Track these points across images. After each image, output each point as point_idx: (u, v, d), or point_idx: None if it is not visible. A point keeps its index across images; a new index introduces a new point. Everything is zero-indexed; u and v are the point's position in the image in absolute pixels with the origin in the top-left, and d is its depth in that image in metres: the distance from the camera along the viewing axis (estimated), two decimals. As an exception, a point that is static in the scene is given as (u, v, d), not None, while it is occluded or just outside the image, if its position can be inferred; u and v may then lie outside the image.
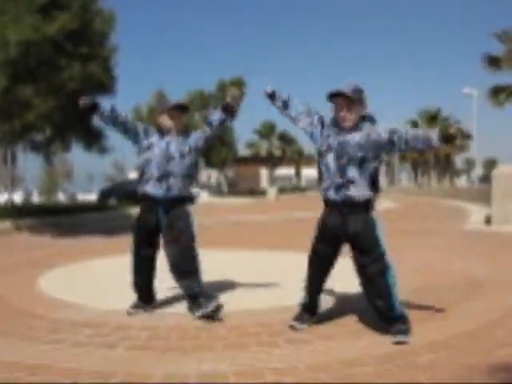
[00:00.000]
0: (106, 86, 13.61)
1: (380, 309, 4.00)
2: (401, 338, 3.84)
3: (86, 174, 68.74)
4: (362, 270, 4.06)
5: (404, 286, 5.72)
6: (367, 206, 4.04)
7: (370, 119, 4.08)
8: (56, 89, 12.40)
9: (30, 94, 12.26)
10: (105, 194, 31.34)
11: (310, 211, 22.40)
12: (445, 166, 69.23)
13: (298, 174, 71.67)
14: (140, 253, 4.73)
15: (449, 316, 4.51)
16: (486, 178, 38.60)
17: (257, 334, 4.07)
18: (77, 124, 14.11)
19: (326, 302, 5.03)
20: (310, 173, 79.90)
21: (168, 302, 5.22)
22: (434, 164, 66.39)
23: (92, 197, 36.00)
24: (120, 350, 3.75)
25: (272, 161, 60.48)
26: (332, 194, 4.06)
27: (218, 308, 4.55)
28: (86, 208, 22.52)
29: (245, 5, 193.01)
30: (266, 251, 8.84)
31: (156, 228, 4.65)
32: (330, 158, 4.02)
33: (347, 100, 3.93)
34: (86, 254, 8.87)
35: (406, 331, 3.92)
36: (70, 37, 12.39)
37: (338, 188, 4.01)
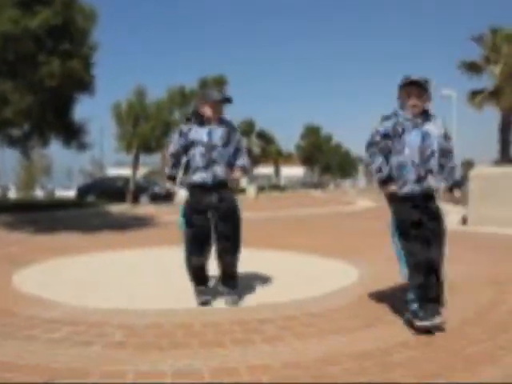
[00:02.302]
0: (85, 83, 13.50)
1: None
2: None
3: (64, 170, 67.96)
4: None
5: (380, 283, 5.81)
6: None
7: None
8: (35, 85, 12.27)
9: (9, 89, 12.12)
10: (83, 191, 31.11)
11: (289, 210, 22.57)
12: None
13: (277, 172, 71.79)
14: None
15: (423, 315, 4.56)
16: (463, 179, 38.96)
17: (232, 332, 4.09)
18: (56, 120, 13.98)
19: (303, 301, 5.09)
20: (288, 171, 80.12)
21: (146, 299, 5.22)
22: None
23: (70, 193, 35.65)
24: (96, 347, 3.73)
25: (251, 158, 60.50)
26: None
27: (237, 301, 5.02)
28: (64, 204, 22.35)
29: (228, 3, 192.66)
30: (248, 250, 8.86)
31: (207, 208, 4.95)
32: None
33: (419, 89, 4.19)
34: (64, 251, 8.79)
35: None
36: (51, 32, 12.24)
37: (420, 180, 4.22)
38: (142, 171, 44.77)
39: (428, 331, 3.98)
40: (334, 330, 4.13)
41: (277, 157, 66.29)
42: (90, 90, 14.07)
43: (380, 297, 5.21)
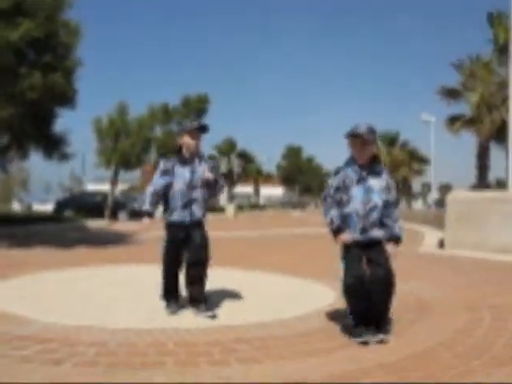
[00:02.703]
0: (67, 97, 13.46)
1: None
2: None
3: (42, 183, 67.35)
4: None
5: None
6: None
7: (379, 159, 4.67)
8: (16, 97, 12.19)
9: (-12, 101, 12.04)
10: (61, 205, 30.84)
11: (267, 229, 22.56)
12: (402, 190, 70.44)
13: (256, 191, 71.89)
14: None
15: (398, 337, 4.57)
16: (440, 202, 39.48)
17: (207, 352, 4.05)
18: (36, 132, 13.90)
19: (280, 321, 5.07)
20: (268, 191, 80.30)
21: (120, 316, 5.16)
22: (392, 187, 67.36)
23: (48, 207, 35.31)
24: (67, 365, 3.67)
25: (231, 178, 60.56)
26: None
27: (214, 316, 5.20)
28: (41, 218, 22.12)
29: (212, 21, 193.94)
30: (228, 269, 8.84)
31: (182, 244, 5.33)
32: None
33: (363, 139, 4.44)
34: (39, 266, 8.68)
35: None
36: (33, 45, 12.22)
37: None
38: (121, 187, 44.54)
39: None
40: (309, 352, 4.12)
41: (257, 176, 66.47)
42: (72, 103, 14.03)
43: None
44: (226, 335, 4.53)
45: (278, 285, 7.27)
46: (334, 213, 4.52)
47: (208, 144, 61.86)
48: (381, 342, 4.35)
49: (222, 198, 59.49)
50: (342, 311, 5.43)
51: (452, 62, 31.42)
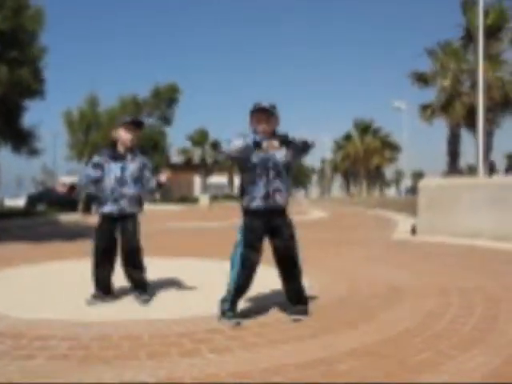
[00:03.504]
0: (34, 89, 13.26)
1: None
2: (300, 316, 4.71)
3: (13, 178, 66.40)
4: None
5: (327, 294, 5.88)
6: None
7: (283, 137, 4.55)
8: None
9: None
10: (33, 200, 30.46)
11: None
12: (375, 177, 71.07)
13: (230, 182, 71.85)
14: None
15: (369, 323, 4.65)
16: (413, 189, 39.94)
17: (180, 343, 4.06)
18: (3, 126, 13.69)
19: (254, 311, 5.10)
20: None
21: (93, 310, 5.15)
22: (365, 174, 68.02)
23: (20, 202, 34.82)
24: (38, 360, 3.65)
25: (205, 168, 60.39)
26: None
27: (148, 299, 5.51)
28: (12, 213, 21.82)
29: (182, 10, 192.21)
30: (199, 259, 8.84)
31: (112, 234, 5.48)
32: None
33: (267, 115, 4.54)
34: (10, 261, 8.59)
35: (305, 312, 4.82)
36: (-1, 39, 12.00)
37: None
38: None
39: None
40: (283, 340, 4.15)
41: (231, 166, 66.42)
42: (41, 94, 13.83)
43: (328, 307, 5.28)
44: (200, 326, 4.55)
45: (258, 275, 7.28)
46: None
47: (181, 135, 61.57)
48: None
49: (196, 189, 59.41)
50: (315, 300, 5.49)
51: (426, 48, 31.63)
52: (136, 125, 5.52)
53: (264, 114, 4.53)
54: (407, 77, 31.68)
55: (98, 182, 5.43)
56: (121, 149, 5.46)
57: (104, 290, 5.54)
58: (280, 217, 4.67)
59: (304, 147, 4.63)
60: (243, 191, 4.66)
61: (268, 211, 4.59)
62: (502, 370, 3.50)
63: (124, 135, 5.40)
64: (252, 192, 4.59)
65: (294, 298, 4.87)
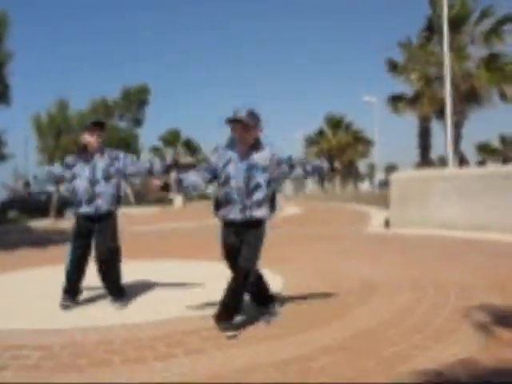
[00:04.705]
0: (-1, 94, 13.03)
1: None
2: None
3: (-17, 184, 65.14)
4: None
5: (301, 291, 5.88)
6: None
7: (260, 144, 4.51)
8: None
9: None
10: (4, 206, 29.95)
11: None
12: (348, 171, 71.45)
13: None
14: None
15: (343, 319, 4.67)
16: (386, 183, 40.26)
17: (154, 347, 4.03)
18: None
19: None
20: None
21: (64, 317, 5.08)
22: (339, 169, 68.26)
23: (-10, 209, 34.24)
24: (9, 371, 3.58)
25: (178, 168, 60.03)
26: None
27: (123, 306, 5.46)
28: (-18, 221, 21.46)
29: (152, 10, 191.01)
30: (177, 260, 8.80)
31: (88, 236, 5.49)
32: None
33: (242, 124, 4.36)
34: (-20, 271, 8.43)
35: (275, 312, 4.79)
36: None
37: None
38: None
39: None
40: (257, 339, 4.15)
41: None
42: (5, 100, 13.58)
43: (302, 305, 5.29)
44: (174, 328, 4.53)
45: (223, 274, 7.26)
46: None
47: (152, 135, 60.97)
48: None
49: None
50: (288, 298, 5.50)
51: (398, 41, 31.81)
52: (97, 125, 5.58)
53: (238, 124, 4.37)
54: (384, 64, 31.71)
55: (60, 181, 5.65)
56: (90, 151, 5.53)
57: (73, 292, 5.55)
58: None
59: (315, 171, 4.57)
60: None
61: None
62: (477, 356, 3.55)
63: (88, 138, 5.50)
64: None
65: (258, 300, 4.87)
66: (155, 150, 59.92)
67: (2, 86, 13.06)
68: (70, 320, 4.96)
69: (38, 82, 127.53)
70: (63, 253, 9.67)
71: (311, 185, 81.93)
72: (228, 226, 4.52)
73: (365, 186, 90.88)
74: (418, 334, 4.15)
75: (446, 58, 15.70)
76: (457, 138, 25.92)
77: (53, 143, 26.86)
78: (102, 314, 5.20)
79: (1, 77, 12.95)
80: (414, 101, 31.27)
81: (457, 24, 27.01)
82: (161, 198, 46.29)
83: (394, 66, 31.54)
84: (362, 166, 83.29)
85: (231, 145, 4.53)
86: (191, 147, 61.67)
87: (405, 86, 31.84)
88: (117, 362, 3.72)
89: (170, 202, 45.30)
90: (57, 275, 7.89)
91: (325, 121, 69.13)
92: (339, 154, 66.56)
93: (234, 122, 4.40)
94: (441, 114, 26.20)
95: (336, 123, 68.06)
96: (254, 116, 4.41)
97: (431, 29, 29.87)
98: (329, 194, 55.30)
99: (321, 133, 69.06)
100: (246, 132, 4.39)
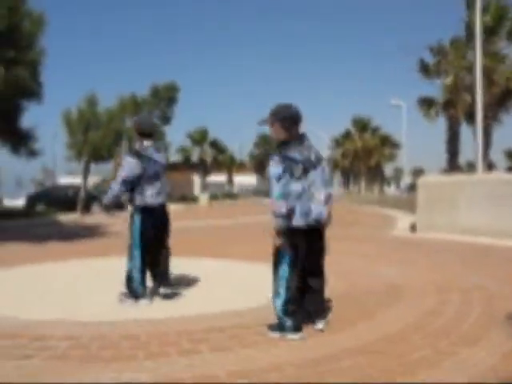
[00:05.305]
0: (32, 90, 13.22)
1: None
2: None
3: (13, 178, 66.23)
4: None
5: (326, 292, 5.85)
6: None
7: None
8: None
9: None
10: (33, 200, 30.40)
11: (240, 217, 22.51)
12: (375, 174, 71.00)
13: (230, 180, 71.79)
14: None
15: (367, 321, 4.64)
16: (412, 187, 39.89)
17: (179, 342, 4.06)
18: (1, 127, 13.67)
19: (255, 309, 5.09)
20: (242, 180, 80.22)
21: (92, 309, 5.14)
22: (365, 172, 68.01)
23: (19, 202, 34.76)
24: (36, 360, 3.65)
25: (204, 167, 60.27)
26: None
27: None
28: (11, 214, 21.81)
29: (179, 9, 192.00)
30: (198, 258, 8.84)
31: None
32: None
33: (269, 122, 4.39)
34: (9, 262, 8.58)
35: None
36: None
37: None
38: (94, 180, 44.02)
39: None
40: (282, 339, 4.15)
41: (230, 165, 66.35)
42: (38, 97, 13.80)
43: (327, 305, 5.26)
44: (199, 324, 4.55)
45: (249, 273, 7.30)
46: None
47: (180, 133, 61.13)
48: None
49: (196, 188, 59.31)
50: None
51: (429, 45, 31.54)
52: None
53: (268, 123, 4.40)
54: (416, 65, 31.42)
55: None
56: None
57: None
58: None
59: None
60: None
61: None
62: (502, 365, 3.50)
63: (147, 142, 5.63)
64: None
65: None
66: (183, 150, 60.18)
67: (36, 84, 13.27)
68: (95, 313, 5.02)
69: (67, 77, 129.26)
70: (89, 246, 9.74)
71: (336, 187, 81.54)
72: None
73: (391, 189, 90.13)
74: (444, 339, 4.10)
75: (478, 62, 15.50)
76: (487, 144, 25.58)
77: (81, 139, 27.09)
78: (127, 308, 5.25)
79: (34, 74, 13.15)
80: (445, 105, 30.95)
81: (492, 28, 26.66)
82: (185, 195, 46.52)
83: (425, 68, 31.24)
84: (388, 169, 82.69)
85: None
86: (217, 147, 61.79)
87: (434, 89, 31.57)
88: (141, 356, 3.75)
89: (195, 199, 45.50)
90: (83, 267, 8.03)
91: (352, 123, 68.88)
92: (365, 156, 66.28)
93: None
94: (471, 118, 25.91)
95: (363, 125, 67.72)
96: (273, 115, 4.38)
97: (468, 32, 29.50)
98: (354, 196, 55.04)
99: (347, 134, 68.83)
100: (273, 130, 4.43)
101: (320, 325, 4.37)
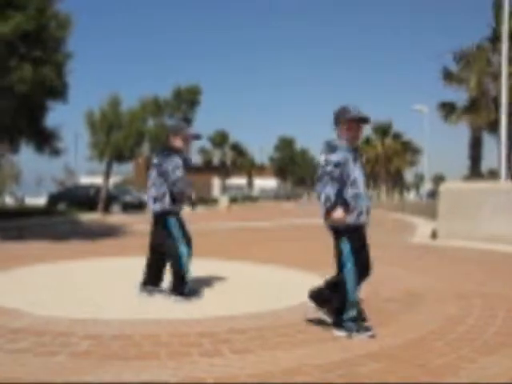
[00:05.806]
0: (57, 90, 13.38)
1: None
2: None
3: (35, 177, 66.95)
4: None
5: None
6: None
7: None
8: (5, 90, 12.12)
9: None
10: (54, 199, 30.72)
11: (258, 221, 22.51)
12: (395, 180, 70.54)
13: (250, 183, 71.85)
14: None
15: (390, 327, 4.62)
16: (433, 193, 39.56)
17: (200, 343, 4.07)
18: (27, 126, 13.84)
19: (276, 311, 5.09)
20: (262, 183, 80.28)
21: (113, 308, 5.18)
22: (385, 178, 67.59)
23: (41, 201, 35.15)
24: (60, 357, 3.68)
25: (224, 170, 60.42)
26: None
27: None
28: (33, 212, 22.06)
29: (201, 11, 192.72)
30: (220, 260, 8.86)
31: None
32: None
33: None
34: (30, 259, 8.68)
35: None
36: (23, 38, 12.11)
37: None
38: (114, 180, 44.38)
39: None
40: (303, 342, 4.15)
41: (250, 168, 66.42)
42: (63, 97, 13.96)
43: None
44: (221, 326, 4.56)
45: (270, 276, 7.29)
46: (330, 190, 4.23)
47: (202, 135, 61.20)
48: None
49: (215, 190, 59.46)
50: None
51: (452, 50, 31.24)
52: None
53: (362, 126, 4.54)
54: (439, 72, 31.15)
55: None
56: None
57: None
58: None
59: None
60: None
61: None
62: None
63: (179, 144, 5.81)
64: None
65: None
66: (203, 152, 60.40)
67: (62, 85, 13.41)
68: (116, 311, 5.06)
69: (89, 78, 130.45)
70: (110, 246, 9.81)
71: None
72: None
73: (411, 195, 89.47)
74: (466, 345, 4.07)
75: (504, 67, 15.36)
76: (510, 151, 25.26)
77: (104, 139, 27.31)
78: (148, 307, 5.28)
79: (61, 76, 13.30)
80: (468, 110, 30.63)
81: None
82: (205, 197, 46.67)
83: (448, 75, 30.94)
84: (408, 175, 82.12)
85: (342, 146, 4.36)
86: (238, 150, 61.89)
87: (457, 95, 31.30)
88: (163, 356, 3.77)
89: (214, 201, 45.57)
90: (104, 266, 8.09)
91: (372, 129, 68.53)
92: (386, 162, 65.89)
93: (364, 121, 4.49)
94: (493, 125, 25.62)
95: (384, 131, 67.32)
96: (335, 117, 4.51)
97: (494, 37, 29.14)
98: (373, 201, 54.71)
99: (367, 140, 68.49)
100: (361, 132, 4.51)
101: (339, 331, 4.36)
